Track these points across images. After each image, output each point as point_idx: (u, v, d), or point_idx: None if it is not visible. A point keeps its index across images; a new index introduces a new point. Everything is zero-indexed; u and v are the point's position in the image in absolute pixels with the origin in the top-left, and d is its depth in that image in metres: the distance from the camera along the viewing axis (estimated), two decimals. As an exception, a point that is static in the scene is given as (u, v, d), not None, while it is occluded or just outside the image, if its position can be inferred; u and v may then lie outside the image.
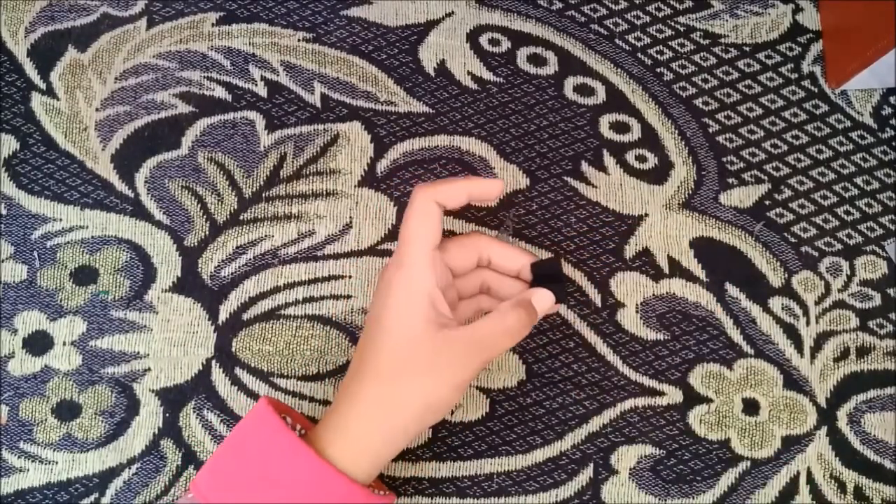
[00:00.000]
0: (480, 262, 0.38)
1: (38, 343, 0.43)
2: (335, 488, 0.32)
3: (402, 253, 0.35)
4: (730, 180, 0.46)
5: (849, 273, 0.45)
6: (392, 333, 0.34)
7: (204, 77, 0.46)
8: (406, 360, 0.34)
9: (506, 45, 0.47)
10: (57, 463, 0.42)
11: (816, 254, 0.45)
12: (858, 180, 0.46)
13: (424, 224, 0.35)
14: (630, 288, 0.44)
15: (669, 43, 0.48)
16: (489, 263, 0.38)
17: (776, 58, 0.48)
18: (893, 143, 0.47)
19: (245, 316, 0.44)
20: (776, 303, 0.44)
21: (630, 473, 0.42)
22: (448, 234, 0.45)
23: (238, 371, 0.43)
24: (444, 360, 0.33)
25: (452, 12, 0.48)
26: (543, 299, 0.37)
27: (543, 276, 0.37)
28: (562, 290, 0.37)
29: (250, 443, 0.33)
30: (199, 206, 0.45)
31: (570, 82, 0.47)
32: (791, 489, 0.42)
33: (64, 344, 0.43)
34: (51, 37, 0.47)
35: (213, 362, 0.43)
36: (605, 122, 0.46)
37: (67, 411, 0.42)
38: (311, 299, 0.44)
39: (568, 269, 0.44)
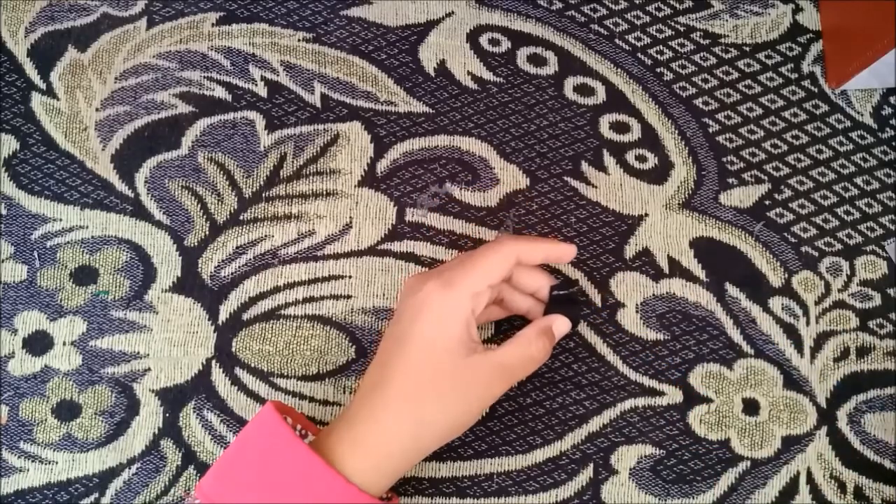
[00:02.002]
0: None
1: (38, 343, 0.43)
2: (344, 498, 0.32)
3: (458, 276, 0.35)
4: (730, 180, 0.46)
5: (849, 273, 0.45)
6: (423, 352, 0.34)
7: (204, 77, 0.46)
8: (434, 381, 0.34)
9: (506, 45, 0.47)
10: (57, 463, 0.42)
11: (816, 254, 0.45)
12: (858, 180, 0.46)
13: (498, 267, 0.36)
14: (630, 288, 0.44)
15: (669, 43, 0.48)
16: (509, 279, 0.39)
17: (776, 58, 0.48)
18: (893, 143, 0.47)
19: (245, 316, 0.44)
20: (776, 303, 0.44)
21: (630, 473, 0.42)
22: (449, 233, 0.45)
23: (238, 371, 0.43)
24: (470, 383, 0.34)
25: (452, 12, 0.48)
26: (563, 327, 0.39)
27: (560, 298, 0.39)
28: (577, 313, 0.39)
29: (258, 449, 0.33)
30: (199, 206, 0.45)
31: (570, 82, 0.47)
32: (791, 489, 0.42)
33: (64, 344, 0.43)
34: (51, 37, 0.47)
35: (213, 362, 0.43)
36: (605, 122, 0.46)
37: (67, 411, 0.42)
38: (311, 299, 0.44)
39: (568, 269, 0.44)
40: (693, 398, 0.43)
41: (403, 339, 0.35)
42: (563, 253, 0.39)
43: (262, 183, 0.45)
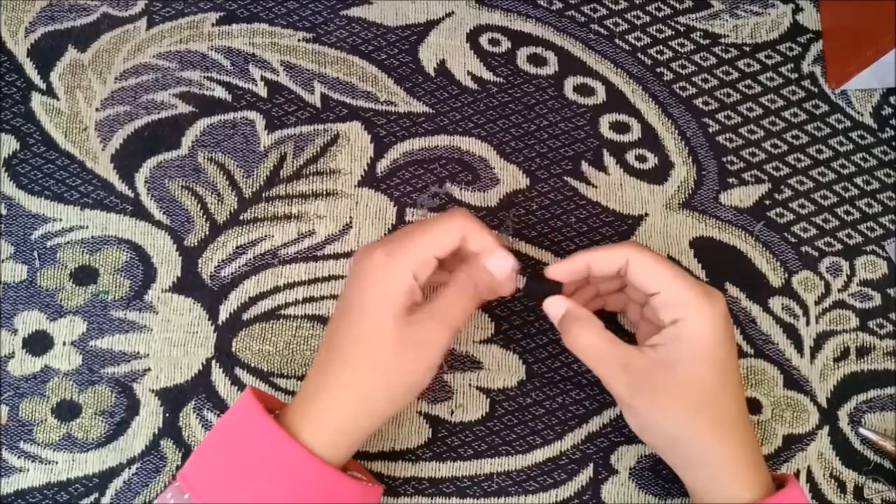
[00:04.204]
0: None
1: (39, 343, 0.43)
2: (306, 469, 0.33)
3: (402, 246, 0.35)
4: (730, 180, 0.46)
5: (849, 273, 0.45)
6: (367, 320, 0.35)
7: (204, 77, 0.46)
8: (379, 347, 0.34)
9: (506, 45, 0.47)
10: (57, 463, 0.42)
11: (816, 254, 0.45)
12: (858, 180, 0.46)
13: (443, 239, 0.36)
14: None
15: (669, 43, 0.48)
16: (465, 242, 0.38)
17: (776, 58, 0.48)
18: (893, 143, 0.47)
19: (245, 316, 0.44)
20: (776, 303, 0.44)
21: (630, 473, 0.42)
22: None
23: (238, 371, 0.43)
24: (414, 342, 0.35)
25: (452, 12, 0.48)
26: (499, 260, 0.37)
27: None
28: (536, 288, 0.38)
29: (233, 431, 0.35)
30: (199, 205, 0.45)
31: (570, 82, 0.47)
32: (791, 489, 0.42)
33: (64, 344, 0.43)
34: (51, 37, 0.47)
35: (213, 362, 0.43)
36: (605, 121, 0.46)
37: (67, 411, 0.42)
38: (311, 299, 0.44)
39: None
40: (693, 398, 0.43)
41: (349, 309, 0.36)
42: (497, 258, 0.37)
43: (262, 183, 0.45)
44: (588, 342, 0.36)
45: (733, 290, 0.44)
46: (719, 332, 0.35)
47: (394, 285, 0.35)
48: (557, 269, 0.38)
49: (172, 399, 0.43)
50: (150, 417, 0.42)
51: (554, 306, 0.38)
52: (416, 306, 0.35)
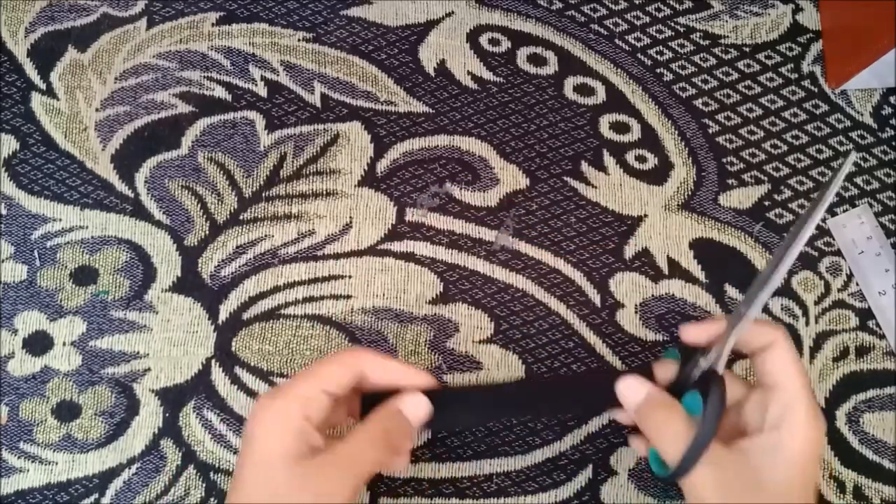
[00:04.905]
0: (358, 379, 0.35)
1: (38, 343, 0.43)
2: None
3: (289, 384, 0.33)
4: (729, 181, 0.46)
5: (848, 273, 0.45)
6: (256, 468, 0.32)
7: (204, 77, 0.46)
8: (267, 490, 0.31)
9: (506, 44, 0.47)
10: (57, 463, 0.42)
11: (816, 253, 0.45)
12: (858, 180, 0.46)
13: (335, 374, 0.34)
14: (629, 288, 0.44)
15: (669, 43, 0.48)
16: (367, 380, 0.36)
17: (776, 58, 0.48)
18: (893, 143, 0.47)
19: (245, 315, 0.44)
20: (775, 303, 0.44)
21: (629, 474, 0.42)
22: (449, 232, 0.45)
23: (238, 370, 0.43)
24: (308, 488, 0.31)
25: (452, 12, 0.48)
26: (414, 405, 0.35)
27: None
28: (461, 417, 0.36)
29: None
30: (199, 205, 0.45)
31: (569, 82, 0.47)
32: (790, 489, 0.42)
33: (64, 344, 0.43)
34: (51, 37, 0.47)
35: (213, 362, 0.43)
36: (604, 122, 0.46)
37: (67, 412, 0.42)
38: (310, 299, 0.44)
39: (567, 270, 0.44)
40: (692, 398, 0.43)
41: (241, 460, 0.33)
42: (419, 382, 0.35)
43: (262, 183, 0.45)
44: (677, 430, 0.32)
45: (732, 291, 0.44)
46: (817, 453, 0.32)
47: (280, 425, 0.32)
48: (697, 331, 0.35)
49: (172, 399, 0.43)
50: (149, 417, 0.42)
51: (633, 389, 0.35)
52: (316, 450, 0.32)
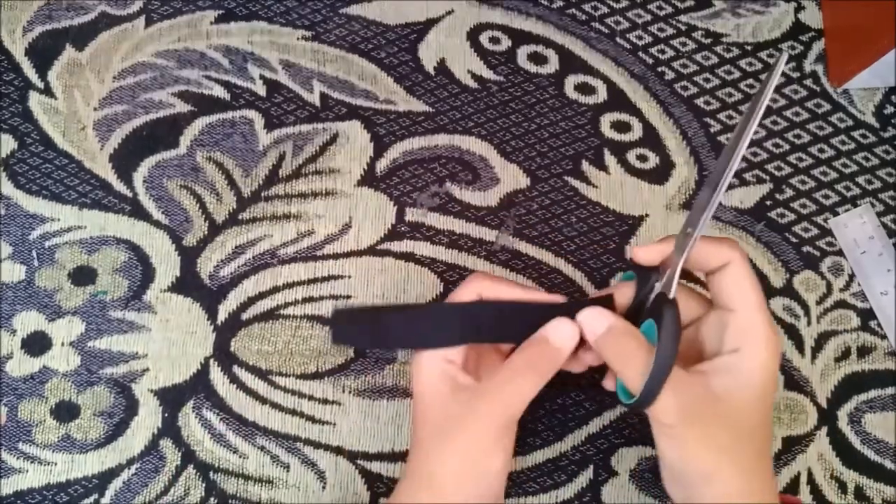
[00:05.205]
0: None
1: (37, 343, 0.43)
2: None
3: None
4: (731, 180, 0.46)
5: (850, 272, 0.45)
6: (418, 410, 0.35)
7: (202, 76, 0.46)
8: (430, 431, 0.34)
9: (506, 43, 0.47)
10: (56, 464, 0.42)
11: (818, 253, 0.45)
12: (861, 180, 0.46)
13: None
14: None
15: (671, 42, 0.47)
16: None
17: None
18: (895, 143, 0.46)
19: (244, 316, 0.43)
20: (777, 303, 0.44)
21: (630, 475, 0.42)
22: (449, 232, 0.44)
23: (237, 370, 0.43)
24: (461, 420, 0.33)
25: (452, 10, 0.48)
26: (558, 329, 0.34)
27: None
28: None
29: None
30: (198, 205, 0.45)
31: (570, 81, 0.47)
32: (792, 490, 0.42)
33: (62, 344, 0.43)
34: (48, 36, 0.46)
35: (212, 361, 0.43)
36: (605, 121, 0.46)
37: (66, 412, 0.42)
38: (310, 299, 0.44)
39: (568, 270, 0.44)
40: (693, 399, 0.43)
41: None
42: (557, 330, 0.34)
43: (260, 182, 0.45)
44: (638, 360, 0.32)
45: (734, 291, 0.44)
46: (775, 373, 0.33)
47: (426, 374, 0.34)
48: (647, 252, 0.34)
49: (171, 399, 0.43)
50: (148, 417, 0.42)
51: (595, 320, 0.34)
52: (465, 388, 0.34)
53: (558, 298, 0.36)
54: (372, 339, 0.37)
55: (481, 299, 0.35)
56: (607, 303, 0.35)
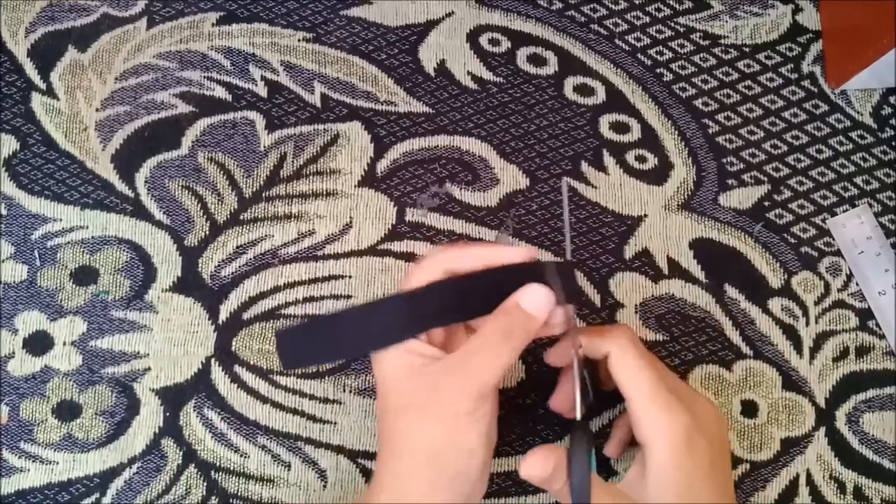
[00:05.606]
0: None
1: (39, 343, 0.43)
2: None
3: None
4: (729, 181, 0.46)
5: (848, 273, 0.45)
6: (381, 383, 0.33)
7: (204, 77, 0.46)
8: (401, 403, 0.32)
9: (506, 45, 0.47)
10: (58, 463, 0.42)
11: (816, 254, 0.45)
12: (858, 180, 0.46)
13: (422, 278, 0.32)
14: (629, 288, 0.44)
15: (669, 43, 0.48)
16: None
17: (776, 58, 0.48)
18: (893, 143, 0.47)
19: (245, 315, 0.44)
20: (775, 303, 0.44)
21: (629, 474, 0.42)
22: (449, 232, 0.45)
23: (238, 369, 0.43)
24: (432, 394, 0.31)
25: (452, 12, 0.48)
26: (532, 295, 0.32)
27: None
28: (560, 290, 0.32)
29: None
30: (200, 205, 0.45)
31: (569, 82, 0.47)
32: (791, 491, 0.42)
33: (64, 344, 0.43)
34: (51, 37, 0.47)
35: (213, 361, 0.43)
36: (604, 122, 0.47)
37: (68, 411, 0.42)
38: (311, 299, 0.44)
39: (567, 270, 0.44)
40: (692, 398, 0.43)
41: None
42: (511, 257, 0.33)
43: (262, 183, 0.45)
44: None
45: (732, 292, 0.44)
46: (690, 454, 0.32)
47: (389, 353, 0.32)
48: (555, 357, 0.36)
49: (173, 398, 0.43)
50: (150, 417, 0.42)
51: (536, 466, 0.32)
52: (434, 361, 0.32)
53: (524, 253, 0.33)
54: (325, 352, 0.35)
55: (450, 276, 0.32)
56: (567, 267, 0.35)
